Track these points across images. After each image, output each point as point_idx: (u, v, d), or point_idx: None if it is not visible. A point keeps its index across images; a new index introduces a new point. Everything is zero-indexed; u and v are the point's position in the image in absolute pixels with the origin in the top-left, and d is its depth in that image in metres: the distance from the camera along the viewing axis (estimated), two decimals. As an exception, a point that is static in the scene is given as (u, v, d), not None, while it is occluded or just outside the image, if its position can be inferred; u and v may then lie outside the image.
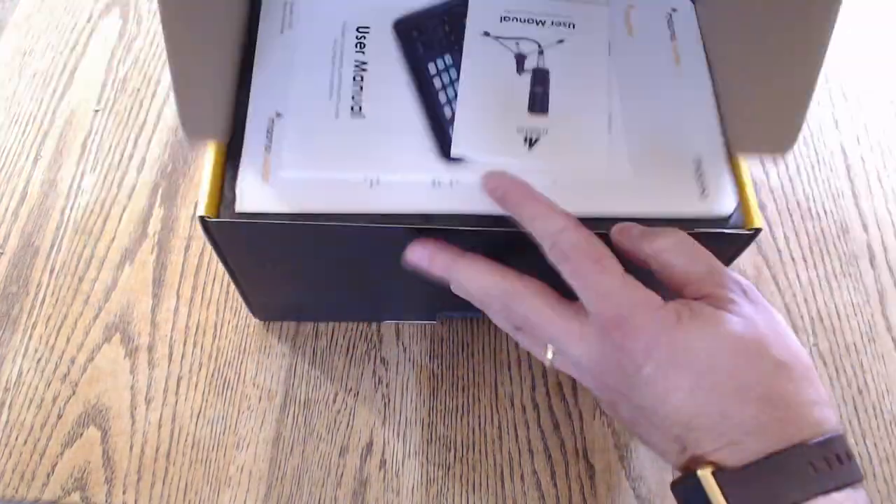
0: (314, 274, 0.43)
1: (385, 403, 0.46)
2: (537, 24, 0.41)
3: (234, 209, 0.35)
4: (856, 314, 0.51)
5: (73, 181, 0.53)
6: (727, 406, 0.29)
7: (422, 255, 0.36)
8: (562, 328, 0.32)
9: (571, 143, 0.38)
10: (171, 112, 0.56)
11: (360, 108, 0.38)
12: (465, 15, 0.41)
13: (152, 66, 0.59)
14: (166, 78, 0.58)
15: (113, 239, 0.51)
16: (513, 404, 0.47)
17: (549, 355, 0.35)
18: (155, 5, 0.61)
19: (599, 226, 0.34)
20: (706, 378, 0.29)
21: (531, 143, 0.37)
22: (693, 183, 0.37)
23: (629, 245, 0.33)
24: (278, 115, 0.38)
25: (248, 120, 0.38)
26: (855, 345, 0.50)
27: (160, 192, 0.53)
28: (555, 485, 0.44)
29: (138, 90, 0.57)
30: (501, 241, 0.36)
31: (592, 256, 0.32)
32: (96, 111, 0.56)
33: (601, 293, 0.31)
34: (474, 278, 0.35)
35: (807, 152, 0.58)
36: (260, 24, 0.41)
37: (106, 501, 0.43)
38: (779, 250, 0.53)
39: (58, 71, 0.58)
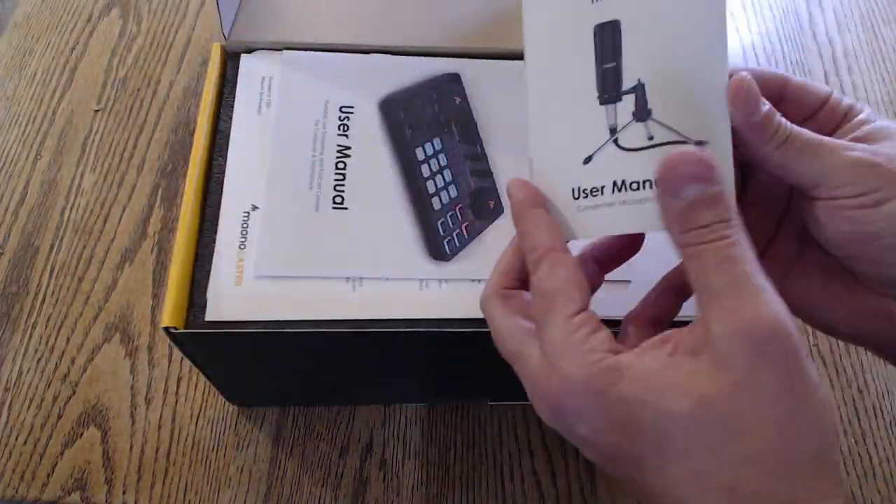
0: (293, 374, 0.41)
1: (385, 403, 0.46)
2: None
3: (204, 317, 0.32)
4: (856, 314, 0.51)
5: (73, 181, 0.53)
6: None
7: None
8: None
9: None
10: (171, 112, 0.56)
11: (343, 200, 0.35)
12: (454, 91, 0.38)
13: (152, 66, 0.58)
14: (166, 78, 0.58)
15: (113, 239, 0.51)
16: (512, 404, 0.47)
17: None
18: (155, 4, 0.62)
19: None
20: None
21: None
22: None
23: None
24: (254, 207, 0.35)
25: (221, 214, 0.35)
26: (855, 345, 0.50)
27: (160, 192, 0.53)
28: (555, 485, 0.44)
29: (138, 90, 0.57)
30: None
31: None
32: (96, 111, 0.56)
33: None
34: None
35: (807, 152, 0.58)
36: (236, 102, 0.38)
37: (106, 501, 0.43)
38: (779, 250, 0.53)
39: (58, 71, 0.58)
